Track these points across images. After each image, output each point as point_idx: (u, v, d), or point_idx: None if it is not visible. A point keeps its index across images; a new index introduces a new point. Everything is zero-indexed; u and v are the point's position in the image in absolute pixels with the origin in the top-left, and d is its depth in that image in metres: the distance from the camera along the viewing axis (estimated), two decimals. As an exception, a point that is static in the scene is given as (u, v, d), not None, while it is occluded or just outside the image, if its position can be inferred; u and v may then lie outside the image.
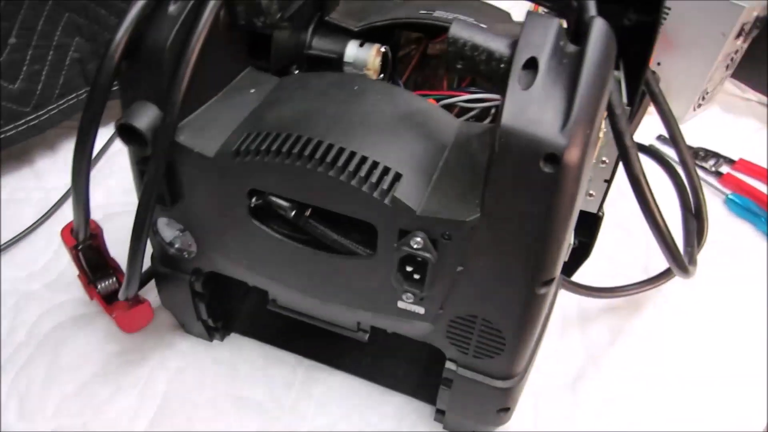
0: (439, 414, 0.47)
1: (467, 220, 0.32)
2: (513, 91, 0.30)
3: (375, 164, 0.34)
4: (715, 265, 0.61)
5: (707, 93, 0.85)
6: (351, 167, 0.33)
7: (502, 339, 0.37)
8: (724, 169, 0.76)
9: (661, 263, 0.53)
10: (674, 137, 0.50)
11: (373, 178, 0.33)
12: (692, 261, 0.49)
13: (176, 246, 0.45)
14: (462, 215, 0.32)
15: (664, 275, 0.54)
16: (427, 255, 0.34)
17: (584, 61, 0.30)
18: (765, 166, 0.76)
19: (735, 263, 0.64)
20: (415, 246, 0.33)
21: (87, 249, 0.46)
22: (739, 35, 0.76)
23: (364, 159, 0.34)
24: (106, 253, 0.48)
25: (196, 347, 0.53)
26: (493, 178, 0.31)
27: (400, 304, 0.37)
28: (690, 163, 0.51)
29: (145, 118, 0.36)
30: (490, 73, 0.33)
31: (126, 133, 0.36)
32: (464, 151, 0.36)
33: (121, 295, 0.43)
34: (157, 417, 0.48)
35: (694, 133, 0.79)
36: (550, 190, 0.30)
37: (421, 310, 0.37)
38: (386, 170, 0.34)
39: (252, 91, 0.40)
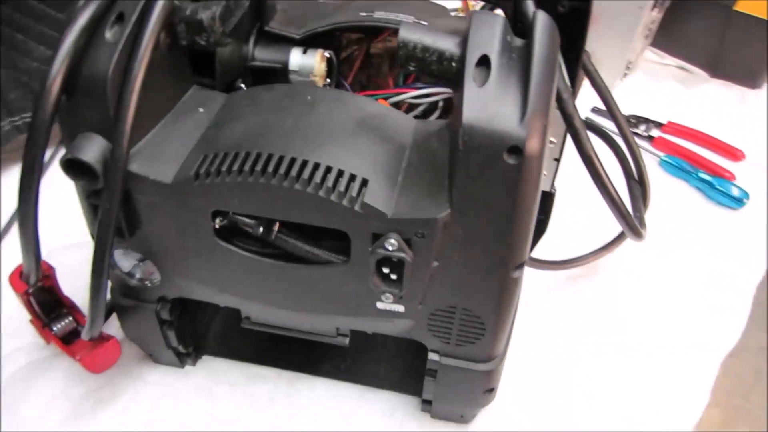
0: (426, 404, 0.48)
1: (439, 217, 0.33)
2: (470, 89, 0.31)
3: (341, 173, 0.34)
4: (659, 225, 0.64)
5: (631, 63, 0.89)
6: (317, 179, 0.33)
7: (482, 325, 0.38)
8: (655, 132, 0.80)
9: (612, 230, 0.56)
10: (612, 111, 0.52)
11: (341, 187, 0.33)
12: (642, 224, 0.52)
13: (137, 276, 0.43)
14: (433, 213, 0.33)
15: (617, 240, 0.56)
16: (403, 255, 0.34)
17: (533, 55, 0.31)
18: (691, 126, 0.80)
19: (676, 220, 0.67)
20: (389, 248, 0.34)
21: (38, 291, 0.44)
22: (654, 7, 0.80)
23: (329, 169, 0.34)
24: (59, 292, 0.46)
25: (168, 376, 0.51)
26: (459, 174, 0.32)
27: (380, 305, 0.38)
28: (628, 133, 0.53)
29: (93, 150, 0.34)
30: (443, 72, 0.34)
31: (73, 168, 0.35)
32: (424, 150, 0.36)
33: (85, 335, 0.42)
34: (137, 453, 0.47)
35: (623, 101, 0.82)
36: (515, 180, 0.31)
37: (401, 309, 0.38)
38: (352, 177, 0.34)
39: (201, 110, 0.39)
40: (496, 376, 0.43)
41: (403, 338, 0.42)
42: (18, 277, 0.41)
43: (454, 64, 0.33)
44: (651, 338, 0.56)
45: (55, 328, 0.46)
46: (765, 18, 0.84)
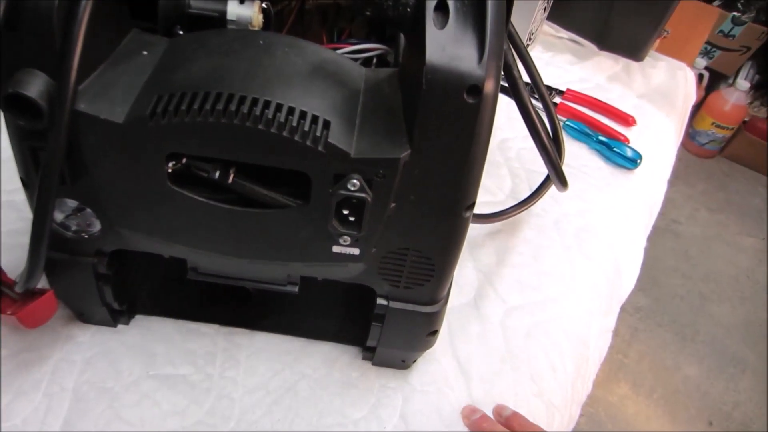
0: (368, 352, 0.50)
1: (400, 156, 0.34)
2: (431, 31, 0.33)
3: (303, 114, 0.34)
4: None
5: (533, 34, 0.94)
6: (280, 118, 0.33)
7: (431, 266, 0.41)
8: (557, 99, 0.86)
9: (525, 191, 0.60)
10: (534, 79, 0.56)
11: (305, 127, 0.34)
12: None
13: (73, 228, 0.41)
14: (395, 153, 0.34)
15: (541, 190, 0.60)
16: (364, 196, 0.35)
17: (486, 1, 0.33)
18: (587, 94, 0.87)
19: (579, 178, 0.74)
20: (351, 188, 0.35)
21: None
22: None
23: (291, 109, 0.34)
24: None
25: (100, 335, 0.49)
26: (420, 114, 0.33)
27: (335, 249, 0.39)
28: (548, 99, 0.57)
29: (36, 85, 0.33)
30: (398, 17, 0.35)
31: (15, 105, 0.33)
32: (377, 95, 0.38)
33: (20, 287, 0.39)
34: (72, 414, 0.45)
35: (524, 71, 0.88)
36: (473, 119, 0.33)
37: (356, 251, 0.39)
38: (315, 118, 0.34)
39: (144, 53, 0.38)
40: (439, 319, 0.45)
41: (342, 290, 0.43)
42: None
43: (408, 9, 0.35)
44: (558, 287, 0.61)
45: (-26, 288, 0.43)
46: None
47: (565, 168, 0.70)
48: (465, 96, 0.32)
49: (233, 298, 0.53)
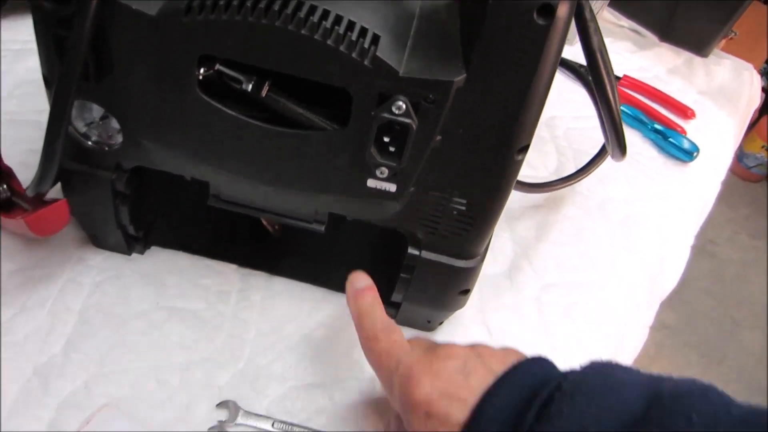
0: (391, 309, 0.47)
1: (454, 80, 0.31)
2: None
3: (351, 24, 0.31)
4: (615, 168, 0.66)
5: (594, 16, 0.90)
6: (327, 25, 0.30)
7: (472, 214, 0.37)
8: (613, 84, 0.81)
9: (570, 171, 0.57)
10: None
11: (352, 37, 0.31)
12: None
13: (93, 138, 0.39)
14: (448, 75, 0.31)
15: (596, 161, 0.56)
16: (409, 121, 0.32)
17: None
18: (645, 82, 0.82)
19: (632, 165, 0.69)
20: (396, 112, 0.32)
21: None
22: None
23: (339, 18, 0.31)
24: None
25: (112, 260, 0.47)
26: (484, 33, 0.30)
27: (370, 183, 0.36)
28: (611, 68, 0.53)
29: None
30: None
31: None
32: (434, 20, 0.34)
33: (31, 191, 0.37)
34: (76, 335, 0.43)
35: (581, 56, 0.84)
36: (540, 42, 0.30)
37: (392, 188, 0.36)
38: (364, 31, 0.31)
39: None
40: (474, 277, 0.42)
41: (368, 243, 0.39)
42: None
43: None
44: (599, 271, 0.57)
45: (-14, 194, 0.41)
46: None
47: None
48: (535, 16, 0.29)
49: (253, 238, 0.50)
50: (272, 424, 0.42)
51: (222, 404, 0.42)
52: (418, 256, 0.40)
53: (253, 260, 0.49)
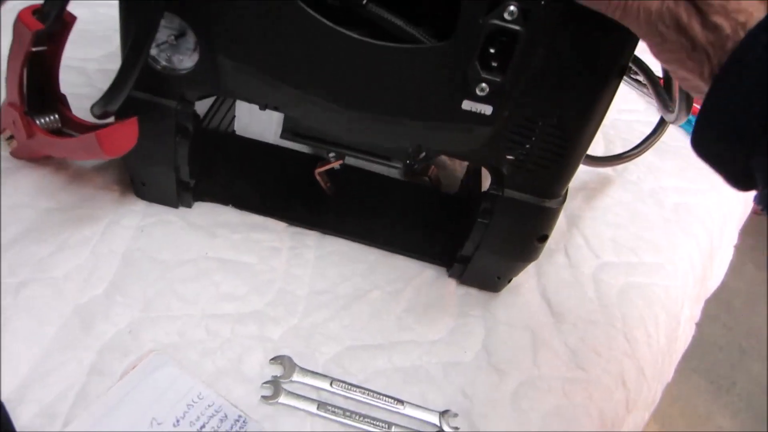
0: (458, 265, 0.44)
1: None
2: None
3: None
4: (664, 159, 0.65)
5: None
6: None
7: (564, 140, 0.35)
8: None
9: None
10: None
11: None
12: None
13: (162, 63, 0.36)
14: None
15: (658, 133, 0.54)
16: (518, 28, 0.30)
17: None
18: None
19: (681, 156, 0.67)
20: (507, 18, 0.30)
21: (36, 60, 0.36)
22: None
23: None
24: (56, 71, 0.38)
25: (158, 207, 0.44)
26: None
27: (465, 105, 0.33)
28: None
29: None
30: None
31: None
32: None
33: (97, 109, 0.34)
34: (119, 277, 0.39)
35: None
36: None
37: (488, 110, 0.33)
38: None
39: None
40: (554, 220, 0.40)
41: (428, 210, 0.36)
42: (31, 13, 0.33)
43: None
44: (656, 254, 0.55)
45: (40, 121, 0.39)
46: None
47: (661, 146, 0.64)
48: None
49: (306, 197, 0.47)
50: (330, 383, 0.38)
51: (276, 359, 0.38)
52: (499, 196, 0.38)
53: (305, 219, 0.46)
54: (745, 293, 1.77)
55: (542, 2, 0.30)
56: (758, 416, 1.45)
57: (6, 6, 0.55)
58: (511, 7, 0.30)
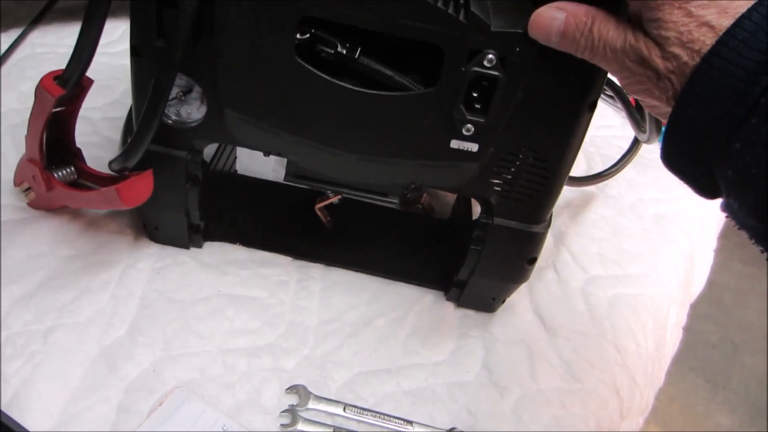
0: (455, 289, 0.47)
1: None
2: None
3: (446, -18, 0.32)
4: (642, 173, 0.68)
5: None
6: (424, -18, 0.32)
7: (545, 171, 0.38)
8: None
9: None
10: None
11: (448, -5, 0.32)
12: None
13: (172, 117, 0.39)
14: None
15: (633, 149, 0.58)
16: (498, 74, 0.33)
17: None
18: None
19: (657, 168, 0.70)
20: (487, 65, 0.33)
21: (54, 120, 0.39)
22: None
23: (434, -23, 0.32)
24: (73, 129, 0.41)
25: (171, 249, 0.47)
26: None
27: (454, 144, 0.36)
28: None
29: None
30: None
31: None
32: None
33: (116, 165, 0.37)
34: (140, 318, 0.42)
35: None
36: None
37: (474, 147, 0.37)
38: (457, -12, 0.33)
39: None
40: (541, 243, 0.43)
41: (423, 232, 0.38)
42: (52, 80, 0.36)
43: None
44: (640, 265, 0.58)
45: (58, 174, 0.41)
46: None
47: (639, 160, 0.68)
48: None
49: (308, 231, 0.50)
50: (344, 409, 0.41)
51: (292, 388, 0.41)
52: (489, 224, 0.41)
53: (308, 252, 0.49)
54: (734, 289, 1.81)
55: (517, 50, 0.33)
56: (756, 410, 1.48)
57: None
58: (490, 56, 0.33)
